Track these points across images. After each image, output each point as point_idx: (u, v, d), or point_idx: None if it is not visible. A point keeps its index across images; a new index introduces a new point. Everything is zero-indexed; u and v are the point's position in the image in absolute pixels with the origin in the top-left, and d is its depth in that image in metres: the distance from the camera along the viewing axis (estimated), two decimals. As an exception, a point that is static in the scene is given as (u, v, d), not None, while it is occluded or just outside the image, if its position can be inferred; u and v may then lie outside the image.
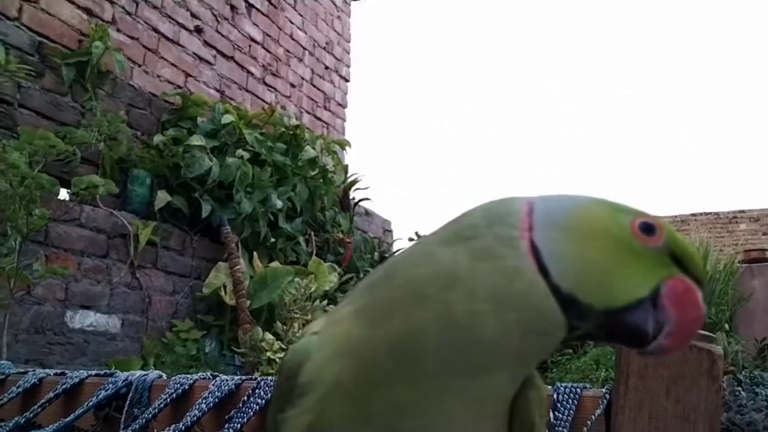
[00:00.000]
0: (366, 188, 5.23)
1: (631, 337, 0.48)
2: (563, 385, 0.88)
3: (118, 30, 3.73)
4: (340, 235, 4.74)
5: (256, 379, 0.97)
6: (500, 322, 0.44)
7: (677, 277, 0.50)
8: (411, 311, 0.45)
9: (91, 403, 1.00)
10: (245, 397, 0.93)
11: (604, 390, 0.89)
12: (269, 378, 0.96)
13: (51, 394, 1.05)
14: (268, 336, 3.36)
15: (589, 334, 0.49)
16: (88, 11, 3.56)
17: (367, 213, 5.64)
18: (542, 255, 0.46)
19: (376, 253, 5.14)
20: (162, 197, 3.54)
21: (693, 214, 12.54)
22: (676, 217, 12.63)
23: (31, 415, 1.03)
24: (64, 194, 3.13)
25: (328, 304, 3.78)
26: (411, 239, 4.96)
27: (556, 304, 0.46)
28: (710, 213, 12.40)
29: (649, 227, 0.50)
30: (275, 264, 3.97)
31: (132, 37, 3.83)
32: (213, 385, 0.96)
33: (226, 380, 0.97)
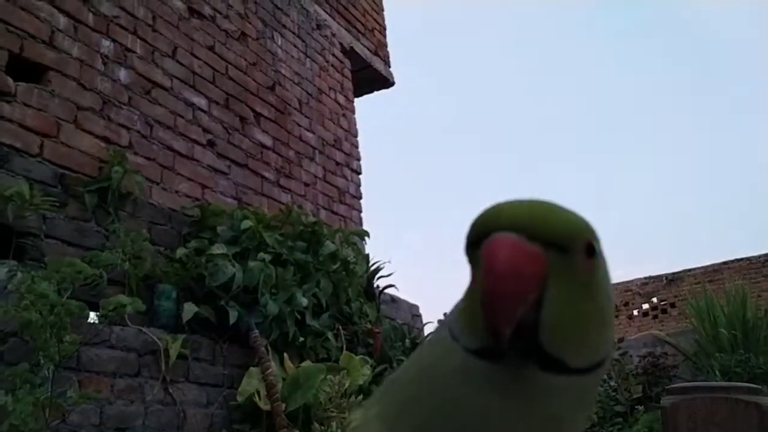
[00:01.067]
0: (389, 275, 5.22)
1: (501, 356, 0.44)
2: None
3: (135, 153, 3.89)
4: (369, 326, 4.70)
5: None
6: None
7: (479, 258, 0.43)
8: (416, 411, 0.45)
9: None
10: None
11: (654, 458, 0.86)
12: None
13: None
14: (307, 439, 3.27)
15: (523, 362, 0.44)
16: (106, 139, 3.74)
17: (394, 300, 5.61)
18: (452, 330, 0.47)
19: (407, 340, 5.07)
20: (189, 309, 3.56)
21: (725, 263, 12.31)
22: (707, 267, 12.39)
23: None
24: (93, 317, 3.17)
25: (363, 399, 3.69)
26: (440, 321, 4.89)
27: (468, 356, 0.44)
28: (742, 259, 12.16)
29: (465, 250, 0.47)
30: (307, 363, 3.92)
31: (148, 158, 3.99)
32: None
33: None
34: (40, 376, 2.64)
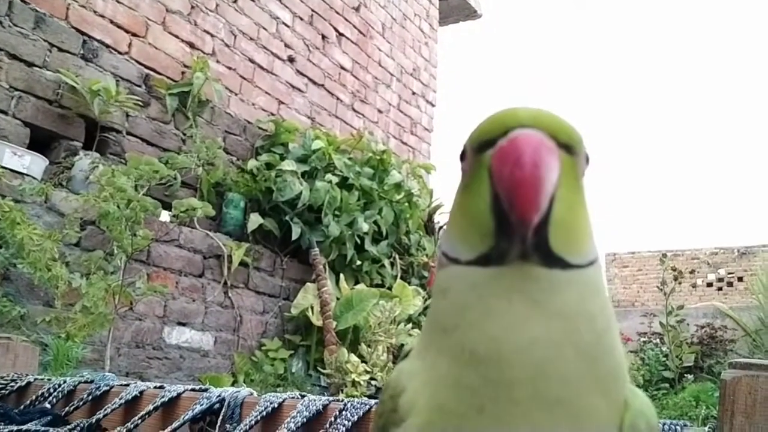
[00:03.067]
0: (460, 157, 5.20)
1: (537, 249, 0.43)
2: (661, 422, 0.84)
3: (218, 61, 3.94)
4: (425, 259, 4.73)
5: (342, 401, 0.98)
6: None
7: (493, 154, 0.43)
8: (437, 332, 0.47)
9: (187, 417, 1.04)
10: (332, 418, 0.94)
11: (706, 429, 0.84)
12: (356, 400, 0.97)
13: (150, 407, 1.10)
14: (354, 358, 3.39)
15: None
16: (191, 45, 3.78)
17: (453, 237, 5.61)
18: (447, 254, 0.48)
19: (461, 278, 5.09)
20: (254, 220, 3.67)
21: (763, 245, 11.75)
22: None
23: (132, 426, 1.08)
24: (165, 216, 3.31)
25: (412, 328, 3.77)
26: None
27: (474, 269, 0.44)
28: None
29: (461, 156, 0.48)
30: (361, 286, 4.01)
31: (230, 68, 4.03)
32: (301, 404, 0.98)
33: (314, 400, 0.98)
34: (113, 265, 2.81)
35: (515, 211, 0.41)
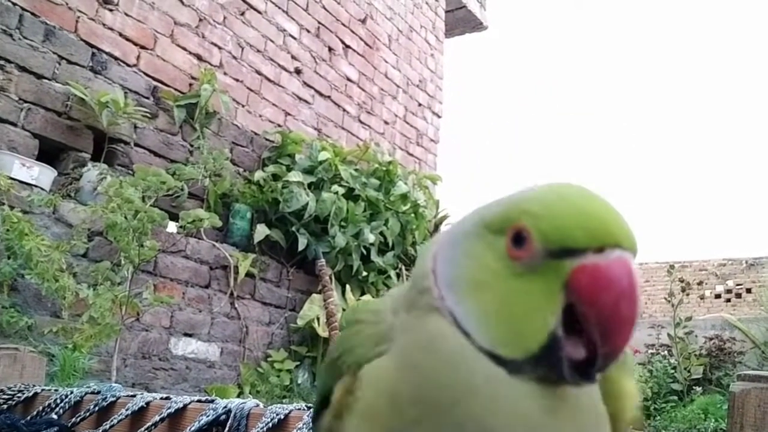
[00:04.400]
0: (514, 240, 5.19)
1: (577, 369, 0.40)
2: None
3: (225, 73, 3.96)
4: (432, 270, 4.72)
5: (348, 412, 0.97)
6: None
7: (574, 270, 0.39)
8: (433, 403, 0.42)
9: (193, 428, 1.04)
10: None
11: (715, 442, 0.83)
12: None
13: (157, 418, 1.10)
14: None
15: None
16: (199, 57, 3.81)
17: (459, 248, 5.60)
18: (458, 319, 0.42)
19: (467, 289, 5.08)
20: (261, 230, 3.68)
21: None
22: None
23: (138, 436, 1.08)
24: (172, 227, 3.32)
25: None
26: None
27: (488, 363, 0.40)
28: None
29: (517, 238, 0.41)
30: (367, 297, 4.01)
31: (237, 80, 4.06)
32: (307, 416, 0.98)
33: (320, 412, 0.98)
34: (120, 276, 2.82)
35: (609, 345, 0.39)
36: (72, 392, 1.24)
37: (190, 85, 3.73)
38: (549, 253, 0.40)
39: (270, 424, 0.99)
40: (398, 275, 4.47)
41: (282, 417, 1.00)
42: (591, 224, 0.40)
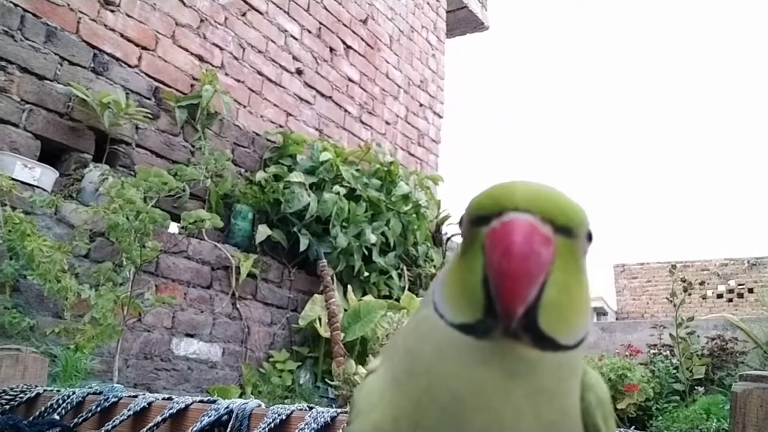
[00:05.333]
0: (458, 223, 5.20)
1: (527, 330, 0.43)
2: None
3: (226, 74, 3.97)
4: (433, 270, 4.73)
5: (350, 412, 0.98)
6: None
7: (485, 235, 0.43)
8: (409, 387, 0.47)
9: (195, 429, 1.04)
10: (340, 431, 0.94)
11: (716, 442, 0.83)
12: (363, 412, 0.97)
13: (159, 418, 1.10)
14: (361, 369, 3.37)
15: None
16: (200, 57, 3.82)
17: (461, 248, 5.60)
18: (436, 305, 0.47)
19: (469, 290, 5.07)
20: (263, 231, 3.68)
21: None
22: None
23: (141, 437, 1.08)
24: (173, 228, 3.32)
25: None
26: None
27: (456, 333, 0.44)
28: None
29: (461, 221, 0.47)
30: (369, 298, 4.01)
31: (238, 80, 4.06)
32: (309, 416, 0.98)
33: (322, 412, 0.98)
34: (122, 276, 2.82)
35: (500, 302, 0.41)
36: (74, 393, 1.25)
37: (192, 85, 3.73)
38: (471, 224, 0.45)
39: (272, 425, 1.00)
40: (400, 275, 4.47)
41: (284, 417, 1.00)
42: (497, 193, 0.44)
